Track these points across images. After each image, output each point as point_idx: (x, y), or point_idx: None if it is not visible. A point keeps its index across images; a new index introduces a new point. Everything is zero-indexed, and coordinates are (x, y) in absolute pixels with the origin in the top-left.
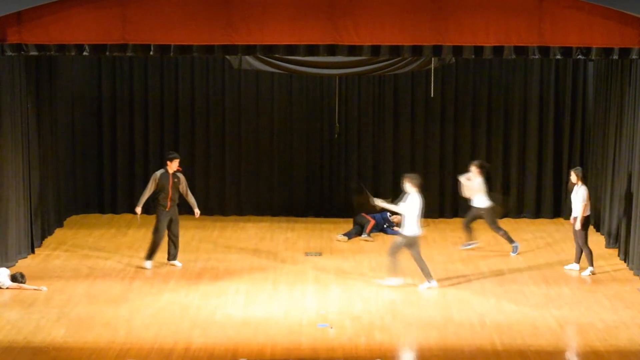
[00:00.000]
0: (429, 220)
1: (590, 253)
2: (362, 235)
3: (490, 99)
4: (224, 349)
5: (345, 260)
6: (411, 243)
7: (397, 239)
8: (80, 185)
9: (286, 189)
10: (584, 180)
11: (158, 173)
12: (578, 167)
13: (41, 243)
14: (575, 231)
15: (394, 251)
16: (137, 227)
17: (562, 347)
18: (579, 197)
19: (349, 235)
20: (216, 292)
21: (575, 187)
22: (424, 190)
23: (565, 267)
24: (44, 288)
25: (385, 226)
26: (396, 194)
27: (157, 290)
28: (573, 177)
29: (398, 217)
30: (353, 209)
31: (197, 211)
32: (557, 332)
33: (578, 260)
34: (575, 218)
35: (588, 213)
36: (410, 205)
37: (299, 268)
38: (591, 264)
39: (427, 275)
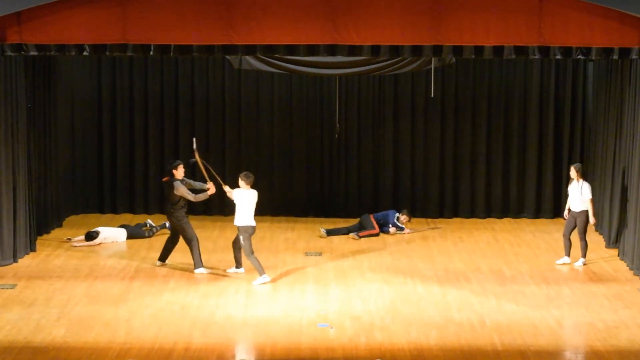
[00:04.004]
0: (429, 220)
1: (586, 246)
2: (352, 233)
3: (490, 99)
4: (224, 349)
5: (345, 260)
6: (243, 233)
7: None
8: (80, 185)
9: (286, 188)
10: (584, 176)
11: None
12: (578, 163)
13: (41, 243)
14: (568, 225)
15: (247, 250)
16: None
17: (563, 347)
18: (584, 194)
19: (338, 232)
20: (216, 292)
21: (576, 183)
22: (424, 189)
23: (557, 262)
24: None
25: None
26: (396, 194)
27: (157, 290)
28: (573, 173)
29: (404, 217)
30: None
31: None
32: (557, 332)
33: (568, 253)
34: (580, 212)
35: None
36: (244, 199)
37: (299, 268)
38: (584, 256)
39: (260, 269)
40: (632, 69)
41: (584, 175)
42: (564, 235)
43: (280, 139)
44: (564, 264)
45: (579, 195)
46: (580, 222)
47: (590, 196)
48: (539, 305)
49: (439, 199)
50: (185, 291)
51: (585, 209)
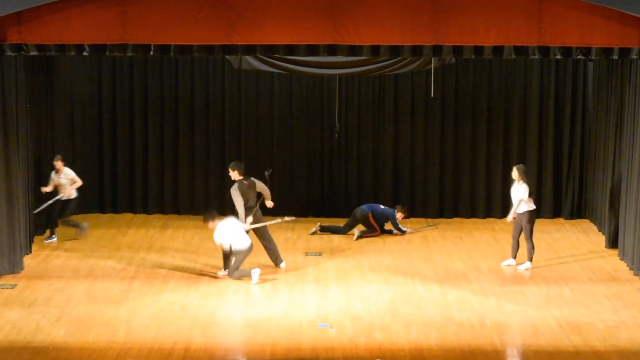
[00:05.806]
0: (429, 220)
1: (532, 248)
2: (358, 232)
3: (490, 99)
4: (224, 349)
5: (345, 260)
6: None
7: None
8: (80, 185)
9: (286, 188)
10: (525, 177)
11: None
12: (521, 165)
13: (39, 242)
14: (516, 227)
15: (235, 267)
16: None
17: (563, 347)
18: (519, 195)
19: (333, 230)
20: (216, 292)
21: (517, 184)
22: (424, 189)
23: (502, 263)
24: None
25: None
26: (396, 194)
27: (157, 290)
28: (514, 174)
29: (400, 213)
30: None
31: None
32: (557, 332)
33: (514, 256)
34: (515, 214)
35: (533, 207)
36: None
37: (299, 268)
38: (530, 260)
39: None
40: (632, 69)
41: (525, 177)
42: (513, 237)
43: (280, 139)
44: (509, 265)
45: (516, 196)
46: (524, 224)
47: (523, 197)
48: (539, 305)
49: (439, 199)
50: (185, 291)
51: (527, 210)
